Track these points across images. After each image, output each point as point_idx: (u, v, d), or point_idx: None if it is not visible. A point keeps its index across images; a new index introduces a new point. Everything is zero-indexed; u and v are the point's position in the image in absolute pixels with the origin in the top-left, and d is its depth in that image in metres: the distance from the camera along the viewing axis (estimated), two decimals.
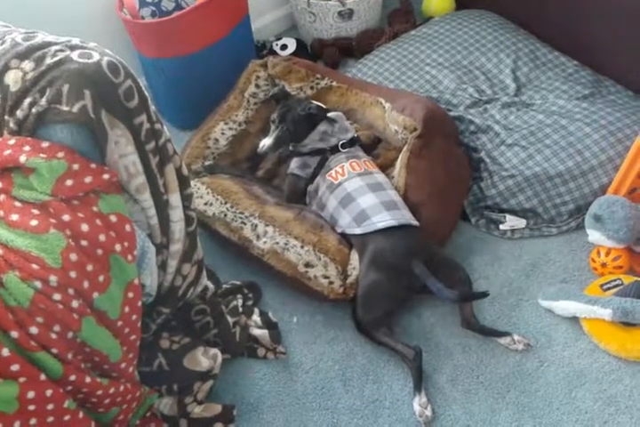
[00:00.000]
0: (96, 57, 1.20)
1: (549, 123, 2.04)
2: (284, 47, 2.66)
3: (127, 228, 1.32)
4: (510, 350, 1.81)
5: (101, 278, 1.26)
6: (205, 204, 1.99)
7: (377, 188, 1.88)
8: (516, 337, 1.80)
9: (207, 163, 2.11)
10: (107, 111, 1.21)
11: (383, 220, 1.80)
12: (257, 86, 2.25)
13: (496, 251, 2.04)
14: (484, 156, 2.05)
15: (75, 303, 1.21)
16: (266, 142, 1.98)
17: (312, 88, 2.21)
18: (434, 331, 1.85)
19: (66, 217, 1.21)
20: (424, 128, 1.89)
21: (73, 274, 1.20)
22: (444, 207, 1.96)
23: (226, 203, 1.96)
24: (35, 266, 1.16)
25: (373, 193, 1.86)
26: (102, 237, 1.26)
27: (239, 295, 1.91)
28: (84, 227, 1.23)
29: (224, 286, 1.93)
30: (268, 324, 1.87)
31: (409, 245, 1.78)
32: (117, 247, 1.29)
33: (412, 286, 1.77)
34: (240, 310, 1.86)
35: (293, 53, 2.62)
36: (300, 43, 2.68)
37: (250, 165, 2.21)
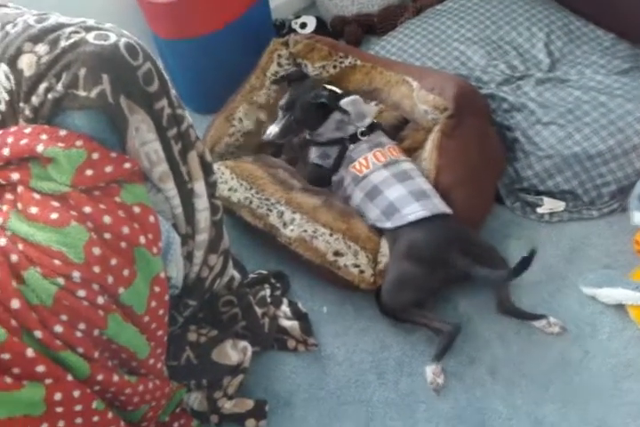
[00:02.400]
0: (113, 38, 1.12)
1: (587, 99, 1.93)
2: (303, 26, 2.56)
3: (151, 219, 1.26)
4: (546, 333, 1.73)
5: (126, 273, 1.20)
6: (230, 189, 1.91)
7: (404, 177, 1.78)
8: (551, 320, 1.73)
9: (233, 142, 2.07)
10: (126, 96, 1.14)
11: (414, 211, 1.72)
12: (279, 65, 2.16)
13: (533, 235, 1.94)
14: (519, 135, 1.95)
15: (100, 299, 1.15)
16: (272, 130, 1.89)
17: (335, 67, 2.12)
18: (471, 321, 1.77)
19: (87, 209, 1.15)
20: (455, 107, 1.79)
21: (97, 269, 1.14)
22: (478, 190, 1.87)
23: (251, 189, 1.89)
24: (56, 261, 1.10)
25: (401, 183, 1.77)
26: (126, 230, 1.20)
27: (267, 285, 1.84)
28: (107, 219, 1.17)
29: (251, 275, 1.87)
30: (298, 314, 1.80)
31: (444, 236, 1.70)
32: (142, 240, 1.23)
33: (449, 277, 1.70)
34: (268, 300, 1.79)
35: (313, 32, 2.52)
36: (319, 21, 2.58)
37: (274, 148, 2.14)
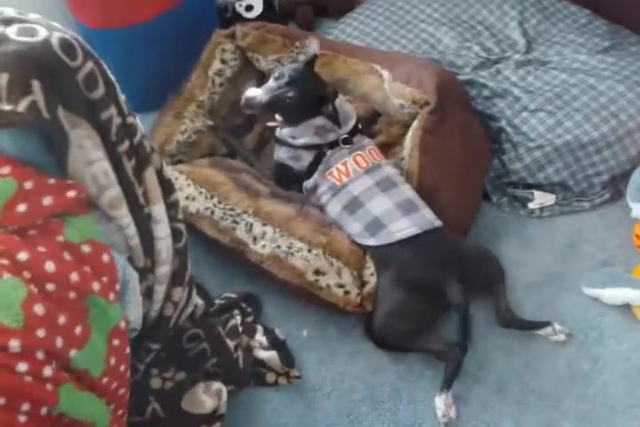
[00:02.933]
0: (42, 33, 0.85)
1: (575, 82, 1.77)
2: (249, 8, 2.30)
3: (105, 258, 1.01)
4: (552, 341, 1.58)
5: (78, 330, 0.95)
6: (187, 198, 1.65)
7: (389, 185, 1.57)
8: (556, 326, 1.58)
9: (209, 123, 1.81)
10: (64, 107, 0.88)
11: (403, 228, 1.52)
12: (222, 62, 1.90)
13: (524, 233, 1.79)
14: (505, 124, 1.77)
15: (47, 371, 0.89)
16: (257, 95, 1.56)
17: (292, 59, 1.87)
18: (472, 334, 1.59)
19: (22, 255, 0.89)
20: (437, 101, 1.59)
21: (41, 333, 0.88)
22: (466, 189, 1.69)
23: (212, 197, 1.64)
24: None
25: (385, 193, 1.56)
26: (75, 277, 0.94)
27: (236, 311, 1.60)
28: (49, 266, 0.91)
29: (217, 301, 1.62)
30: (276, 343, 1.57)
31: (437, 255, 1.51)
32: (95, 286, 0.98)
33: (447, 304, 1.51)
34: (240, 329, 1.55)
35: (260, 15, 2.27)
36: (266, 2, 2.32)
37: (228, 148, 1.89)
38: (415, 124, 1.64)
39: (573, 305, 1.65)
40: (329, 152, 1.63)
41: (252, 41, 1.87)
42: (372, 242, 1.54)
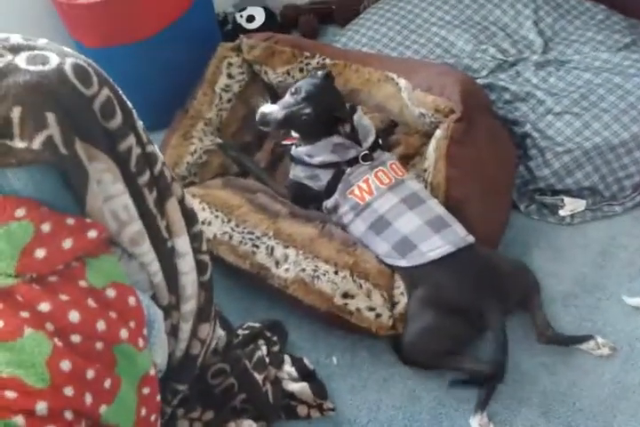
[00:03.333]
0: (54, 61, 0.76)
1: (600, 82, 1.69)
2: (250, 19, 2.21)
3: (131, 301, 0.92)
4: (595, 356, 1.50)
5: (107, 384, 0.86)
6: (202, 223, 1.56)
7: (415, 202, 1.48)
8: (599, 340, 1.51)
9: (218, 141, 1.73)
10: (81, 139, 0.79)
11: (435, 247, 1.43)
12: (230, 76, 1.82)
13: (556, 241, 1.71)
14: (530, 129, 1.69)
15: None
16: (272, 111, 1.48)
17: (302, 70, 1.79)
18: (511, 355, 1.48)
19: (44, 306, 0.80)
20: (464, 109, 1.50)
21: (68, 391, 0.80)
22: (495, 200, 1.61)
23: (229, 221, 1.56)
24: (10, 393, 0.75)
25: (413, 211, 1.47)
26: (101, 325, 0.85)
27: (261, 341, 1.51)
28: (74, 315, 0.82)
29: (240, 331, 1.53)
30: (305, 373, 1.48)
31: (472, 274, 1.43)
32: (123, 333, 0.89)
33: (483, 324, 1.43)
34: (267, 360, 1.46)
35: (262, 25, 2.19)
36: (267, 11, 2.24)
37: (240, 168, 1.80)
38: (439, 133, 1.55)
39: (615, 316, 1.57)
40: (348, 170, 1.54)
41: (259, 53, 1.79)
42: (402, 263, 1.46)
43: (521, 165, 1.72)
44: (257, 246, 1.51)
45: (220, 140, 1.76)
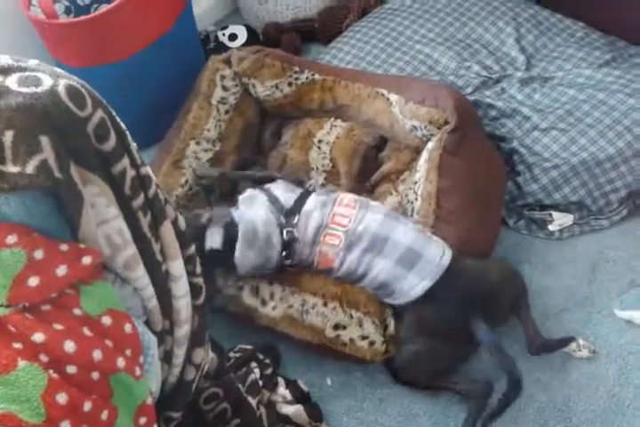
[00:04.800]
0: (47, 82, 0.74)
1: (584, 98, 1.71)
2: (232, 37, 2.20)
3: (127, 328, 0.89)
4: (576, 357, 1.52)
5: (104, 415, 0.83)
6: None
7: (380, 244, 1.40)
8: (580, 342, 1.52)
9: (215, 174, 1.69)
10: (76, 163, 0.77)
11: (414, 285, 1.38)
12: (224, 89, 1.79)
13: (545, 256, 1.71)
14: (517, 145, 1.70)
15: None
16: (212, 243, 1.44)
17: (290, 84, 1.78)
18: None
19: (37, 336, 0.77)
20: (458, 119, 1.50)
21: (65, 425, 0.76)
22: (487, 213, 1.59)
23: None
24: None
25: (380, 256, 1.40)
26: (97, 355, 0.82)
27: (254, 364, 1.48)
28: (69, 345, 0.79)
29: (231, 354, 1.50)
30: (300, 395, 1.45)
31: (457, 294, 1.40)
32: (120, 362, 0.86)
33: (475, 343, 1.41)
34: (260, 383, 1.43)
35: (245, 44, 2.18)
36: (249, 30, 2.23)
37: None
38: (432, 144, 1.55)
39: (607, 330, 1.57)
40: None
41: (248, 65, 1.76)
42: (390, 301, 1.45)
43: (509, 180, 1.72)
44: (241, 288, 1.48)
45: (217, 172, 1.69)
